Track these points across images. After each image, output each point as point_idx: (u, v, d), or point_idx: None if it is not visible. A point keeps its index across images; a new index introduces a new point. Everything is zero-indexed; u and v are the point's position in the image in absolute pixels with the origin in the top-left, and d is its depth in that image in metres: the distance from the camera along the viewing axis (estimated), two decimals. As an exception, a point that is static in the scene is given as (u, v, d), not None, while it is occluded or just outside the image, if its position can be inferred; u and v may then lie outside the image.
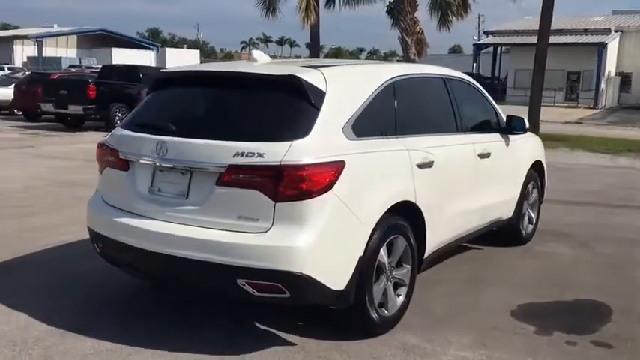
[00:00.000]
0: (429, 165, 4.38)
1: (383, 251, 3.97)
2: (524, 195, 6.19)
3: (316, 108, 3.66)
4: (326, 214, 3.51)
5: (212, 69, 4.57)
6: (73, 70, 29.73)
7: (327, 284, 3.54)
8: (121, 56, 53.97)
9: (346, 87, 3.98)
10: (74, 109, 16.77)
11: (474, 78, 5.87)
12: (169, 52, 68.81)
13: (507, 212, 5.93)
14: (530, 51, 19.69)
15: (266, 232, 3.44)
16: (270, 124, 3.68)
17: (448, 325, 4.30)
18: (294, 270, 3.41)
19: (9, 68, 41.91)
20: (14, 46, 64.17)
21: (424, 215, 4.34)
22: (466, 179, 5.02)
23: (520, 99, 30.18)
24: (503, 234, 6.28)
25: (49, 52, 61.37)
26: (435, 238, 4.56)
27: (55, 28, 67.45)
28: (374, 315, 3.93)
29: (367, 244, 3.76)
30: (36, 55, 59.61)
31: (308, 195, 3.44)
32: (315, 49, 21.03)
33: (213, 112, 3.96)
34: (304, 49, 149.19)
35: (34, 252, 5.68)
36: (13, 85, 21.10)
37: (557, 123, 25.18)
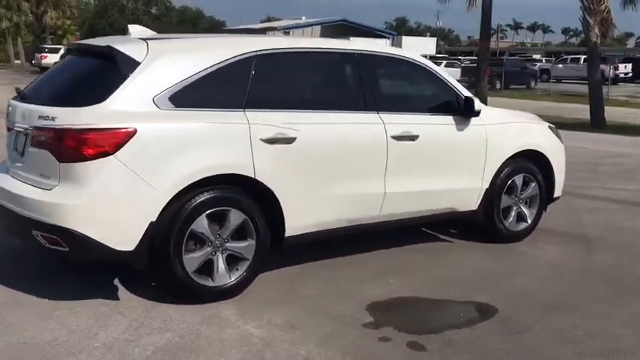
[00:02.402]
0: (287, 141, 4.28)
1: (204, 221, 4.04)
2: (501, 187, 5.53)
3: (124, 77, 3.88)
4: (105, 177, 3.74)
5: (78, 42, 5.00)
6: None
7: (107, 244, 3.78)
8: (358, 44, 56.68)
9: (172, 60, 4.10)
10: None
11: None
12: (405, 39, 69.82)
13: (466, 204, 5.39)
14: None
15: (52, 189, 3.81)
16: (76, 90, 4.04)
17: (287, 305, 4.22)
18: (65, 226, 3.72)
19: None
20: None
21: (275, 193, 4.27)
22: (366, 161, 4.72)
23: None
24: (479, 229, 5.72)
25: (294, 41, 66.38)
26: (301, 220, 4.43)
27: (303, 20, 72.68)
28: (185, 281, 4.04)
29: (167, 212, 3.89)
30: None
31: (86, 158, 3.71)
32: (485, 29, 19.33)
33: (52, 80, 4.41)
34: (559, 34, 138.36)
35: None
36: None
37: None
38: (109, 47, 4.01)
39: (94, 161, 3.72)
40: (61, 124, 3.76)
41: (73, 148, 3.72)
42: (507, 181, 5.59)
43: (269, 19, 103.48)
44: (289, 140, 4.30)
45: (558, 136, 6.08)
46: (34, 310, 3.97)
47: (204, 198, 4.03)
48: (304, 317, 4.03)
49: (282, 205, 4.33)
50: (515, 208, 5.74)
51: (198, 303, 4.12)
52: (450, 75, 5.40)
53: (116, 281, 4.47)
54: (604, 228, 6.43)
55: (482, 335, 3.87)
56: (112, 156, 3.73)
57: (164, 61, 4.06)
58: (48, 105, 3.95)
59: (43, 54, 39.40)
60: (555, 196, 6.07)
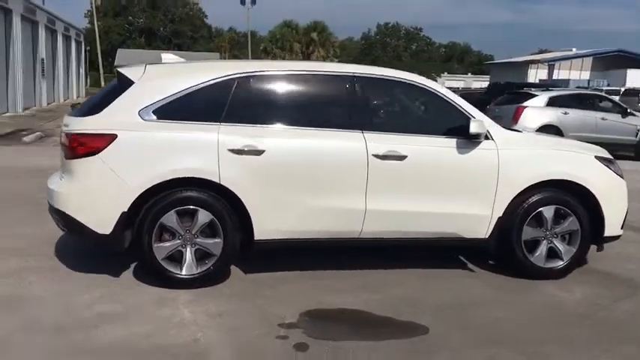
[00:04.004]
0: (256, 153, 4.77)
1: (173, 217, 4.73)
2: (522, 217, 5.18)
3: (120, 93, 4.80)
4: (89, 172, 4.66)
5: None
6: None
7: (90, 226, 4.66)
8: (636, 77, 52.37)
9: (158, 79, 4.88)
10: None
11: None
12: (702, 70, 61.85)
13: (472, 231, 5.18)
14: None
15: (61, 181, 4.86)
16: (91, 104, 5.01)
17: (237, 300, 4.67)
18: (59, 208, 4.74)
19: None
20: (528, 70, 68.77)
21: (241, 198, 4.77)
22: (342, 177, 4.92)
23: None
24: (500, 260, 5.46)
25: (562, 74, 63.37)
26: (270, 226, 4.85)
27: (573, 52, 68.93)
28: (158, 266, 4.76)
29: (142, 205, 4.66)
30: (546, 77, 62.45)
31: (79, 156, 4.67)
32: None
33: (91, 97, 5.45)
34: None
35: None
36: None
37: None
38: (117, 71, 4.97)
39: (84, 159, 4.66)
40: (69, 130, 4.80)
41: (72, 148, 4.71)
42: (531, 212, 5.22)
43: (540, 52, 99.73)
44: (258, 152, 4.77)
45: (614, 169, 5.45)
46: (51, 275, 5.04)
47: (174, 197, 4.71)
48: (239, 311, 4.45)
49: (249, 210, 4.80)
50: (545, 242, 5.31)
51: (169, 287, 4.79)
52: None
53: (134, 264, 5.34)
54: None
55: (378, 349, 3.90)
56: (96, 155, 4.63)
57: (154, 81, 4.87)
58: (71, 116, 5.04)
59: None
60: (609, 235, 5.43)
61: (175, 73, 5.06)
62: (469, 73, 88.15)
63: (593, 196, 5.30)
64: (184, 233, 4.78)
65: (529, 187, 5.20)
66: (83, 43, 43.13)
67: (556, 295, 5.02)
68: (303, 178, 4.90)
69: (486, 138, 5.15)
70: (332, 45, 54.09)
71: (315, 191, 4.92)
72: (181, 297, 4.67)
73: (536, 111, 15.32)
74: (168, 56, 5.55)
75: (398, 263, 5.58)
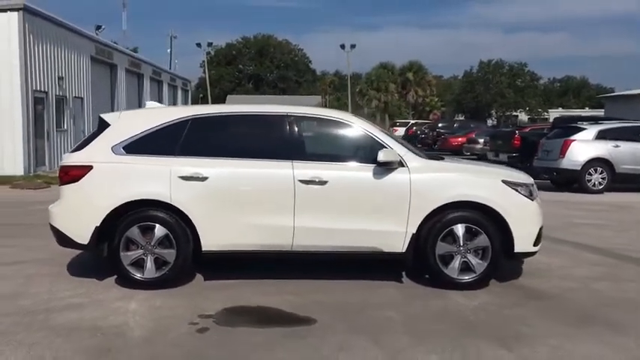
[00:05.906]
0: (201, 179, 5.91)
1: (135, 230, 5.94)
2: (435, 234, 5.92)
3: (99, 134, 6.15)
4: (71, 195, 6.01)
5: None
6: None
7: (71, 237, 5.99)
8: None
9: (129, 122, 6.19)
10: (502, 157, 18.82)
11: None
12: None
13: (390, 245, 5.98)
14: None
15: (56, 202, 6.25)
16: (82, 143, 6.36)
17: (181, 297, 5.77)
18: (52, 223, 6.11)
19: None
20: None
21: (189, 216, 5.92)
22: (273, 199, 5.93)
23: None
24: (428, 274, 6.18)
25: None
26: (214, 240, 5.95)
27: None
28: (125, 270, 5.97)
29: (109, 221, 5.92)
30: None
31: (66, 182, 6.05)
32: None
33: None
34: None
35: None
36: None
37: None
38: (99, 116, 6.34)
39: (68, 185, 6.03)
40: (62, 163, 6.20)
41: (60, 177, 6.11)
42: (444, 229, 5.95)
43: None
44: (202, 179, 5.91)
45: (523, 192, 6.06)
46: (54, 279, 6.39)
47: (136, 215, 5.94)
48: (175, 305, 5.53)
49: (196, 226, 5.93)
50: (458, 256, 5.99)
51: (133, 288, 5.97)
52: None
53: (120, 272, 6.60)
54: (573, 290, 6.14)
55: (261, 333, 4.86)
56: (77, 182, 5.98)
57: (125, 123, 6.19)
58: (67, 153, 6.46)
59: (394, 127, 44.74)
60: (520, 251, 6.05)
61: (142, 117, 6.38)
62: (586, 108, 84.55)
63: (501, 216, 5.95)
64: (145, 244, 5.97)
65: (441, 207, 5.94)
66: (190, 91, 46.79)
67: (457, 302, 5.69)
68: (241, 199, 5.97)
69: (401, 165, 5.98)
70: (428, 84, 54.79)
71: (251, 211, 5.96)
72: (140, 295, 5.82)
73: (583, 144, 15.37)
74: (150, 103, 6.88)
75: (342, 275, 6.44)
